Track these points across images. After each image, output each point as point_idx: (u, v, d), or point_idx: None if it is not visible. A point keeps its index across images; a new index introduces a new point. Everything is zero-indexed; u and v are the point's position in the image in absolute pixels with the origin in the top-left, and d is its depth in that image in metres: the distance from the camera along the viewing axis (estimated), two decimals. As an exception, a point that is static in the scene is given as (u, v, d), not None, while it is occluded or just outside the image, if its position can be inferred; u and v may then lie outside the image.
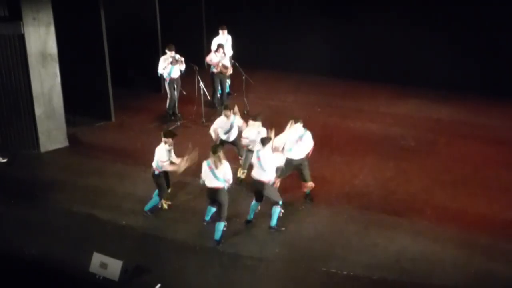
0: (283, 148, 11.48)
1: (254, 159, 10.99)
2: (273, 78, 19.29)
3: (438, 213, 11.59)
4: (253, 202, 11.29)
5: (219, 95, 16.71)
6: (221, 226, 10.74)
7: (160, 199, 11.59)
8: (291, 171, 11.81)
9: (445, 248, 10.54)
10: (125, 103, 16.80)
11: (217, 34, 17.38)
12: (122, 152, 14.34)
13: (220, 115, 13.17)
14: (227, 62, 16.49)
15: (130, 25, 17.75)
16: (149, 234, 11.01)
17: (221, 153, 10.51)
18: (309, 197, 12.06)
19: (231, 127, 12.80)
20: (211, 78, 16.49)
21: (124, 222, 11.39)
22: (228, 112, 12.78)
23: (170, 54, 15.54)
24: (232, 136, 12.92)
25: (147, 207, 11.53)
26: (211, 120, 12.65)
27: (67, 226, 11.29)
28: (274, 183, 11.29)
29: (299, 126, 11.55)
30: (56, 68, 14.07)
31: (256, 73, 18.11)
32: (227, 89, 17.38)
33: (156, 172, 11.34)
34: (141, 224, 11.33)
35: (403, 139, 14.84)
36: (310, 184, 11.96)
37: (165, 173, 11.49)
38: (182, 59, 15.61)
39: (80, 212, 11.70)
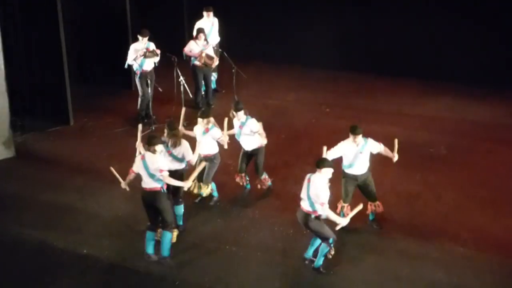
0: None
1: (304, 182, 10.54)
2: (271, 72, 19.29)
3: (476, 238, 11.54)
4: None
5: (203, 93, 16.64)
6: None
7: (171, 230, 11.04)
8: (355, 189, 11.71)
9: (485, 282, 10.48)
10: (87, 103, 16.79)
11: (200, 17, 17.32)
12: (83, 163, 14.28)
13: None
14: (211, 51, 16.42)
15: (95, 11, 17.75)
16: (117, 266, 10.91)
17: (179, 131, 11.43)
18: (376, 222, 11.96)
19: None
20: (193, 72, 16.42)
21: (85, 251, 11.28)
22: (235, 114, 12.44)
23: (143, 42, 15.48)
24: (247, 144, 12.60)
25: (165, 252, 10.87)
26: (194, 123, 12.57)
27: (14, 256, 11.18)
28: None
29: (359, 138, 11.32)
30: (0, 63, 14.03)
31: (249, 66, 18.09)
32: (213, 85, 17.31)
33: (165, 189, 10.84)
34: (107, 253, 11.22)
35: (432, 146, 14.84)
36: (377, 204, 11.84)
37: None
38: (158, 51, 15.56)
39: (31, 238, 11.61)
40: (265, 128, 12.49)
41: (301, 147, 13.79)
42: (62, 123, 15.99)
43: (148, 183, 10.63)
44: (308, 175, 10.50)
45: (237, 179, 12.85)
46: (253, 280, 10.59)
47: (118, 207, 12.24)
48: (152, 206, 10.75)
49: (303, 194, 10.48)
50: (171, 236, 10.86)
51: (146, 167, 10.55)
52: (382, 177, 13.27)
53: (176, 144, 11.27)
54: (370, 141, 11.48)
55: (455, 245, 11.35)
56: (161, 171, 10.51)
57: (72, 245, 11.41)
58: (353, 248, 11.32)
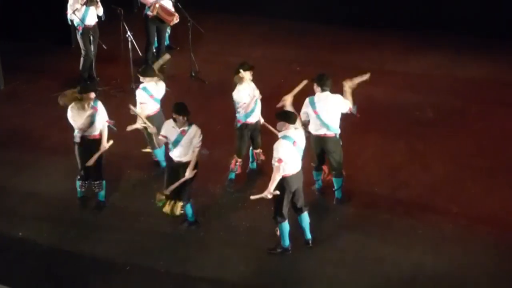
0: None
1: (286, 147, 10.48)
2: (233, 25, 19.28)
3: (468, 212, 11.70)
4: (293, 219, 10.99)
5: (154, 50, 16.62)
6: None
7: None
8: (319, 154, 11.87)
9: (478, 261, 10.66)
10: (19, 63, 16.69)
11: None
12: (16, 133, 14.25)
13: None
14: (169, 4, 16.24)
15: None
16: (59, 250, 10.97)
17: (91, 95, 11.26)
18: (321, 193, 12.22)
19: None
20: (145, 24, 16.35)
21: (21, 233, 11.32)
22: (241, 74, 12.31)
23: (83, -9, 15.44)
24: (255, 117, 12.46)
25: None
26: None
27: None
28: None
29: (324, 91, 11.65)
30: None
31: (209, 18, 18.04)
32: (167, 41, 17.26)
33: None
34: (47, 236, 11.27)
35: (418, 109, 14.95)
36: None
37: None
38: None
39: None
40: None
41: (268, 111, 13.81)
42: (-12, 86, 15.92)
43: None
44: (287, 140, 10.48)
45: (233, 165, 12.48)
46: (217, 264, 10.69)
47: (58, 183, 12.23)
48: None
49: (298, 159, 10.56)
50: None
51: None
52: (362, 144, 13.47)
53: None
54: (338, 97, 11.72)
55: (444, 220, 11.50)
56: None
57: (6, 228, 11.45)
58: (329, 225, 11.47)
